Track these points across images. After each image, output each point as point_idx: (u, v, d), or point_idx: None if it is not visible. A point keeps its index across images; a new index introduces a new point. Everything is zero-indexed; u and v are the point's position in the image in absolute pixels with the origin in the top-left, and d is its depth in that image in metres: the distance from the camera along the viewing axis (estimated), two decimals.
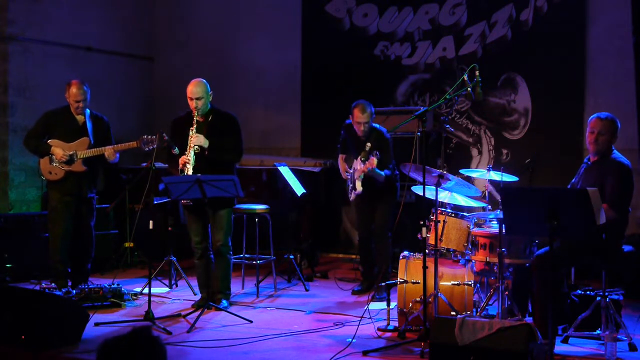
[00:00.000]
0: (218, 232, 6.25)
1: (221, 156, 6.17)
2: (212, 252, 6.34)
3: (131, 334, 2.54)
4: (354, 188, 6.74)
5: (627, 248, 5.34)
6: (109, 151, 6.54)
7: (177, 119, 6.39)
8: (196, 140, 6.08)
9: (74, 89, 6.57)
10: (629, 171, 5.22)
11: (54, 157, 6.56)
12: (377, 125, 6.89)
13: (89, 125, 6.68)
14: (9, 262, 7.43)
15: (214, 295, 6.35)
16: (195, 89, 6.13)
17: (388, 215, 6.84)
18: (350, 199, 6.90)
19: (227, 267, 6.36)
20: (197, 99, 6.11)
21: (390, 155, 6.78)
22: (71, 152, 6.56)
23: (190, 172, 6.02)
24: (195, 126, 6.11)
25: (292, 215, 8.17)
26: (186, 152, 6.09)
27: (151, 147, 6.40)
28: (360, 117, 6.70)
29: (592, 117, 5.38)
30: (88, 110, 6.72)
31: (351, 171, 6.84)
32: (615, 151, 5.33)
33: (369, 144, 6.62)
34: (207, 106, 6.20)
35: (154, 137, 6.44)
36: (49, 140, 6.60)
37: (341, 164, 7.04)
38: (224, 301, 6.30)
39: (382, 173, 6.63)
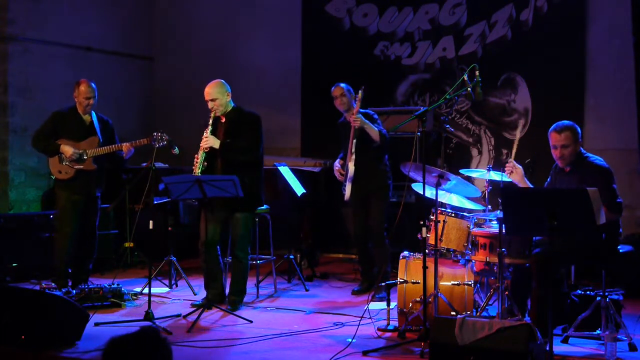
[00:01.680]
0: (234, 236, 6.25)
1: (234, 156, 6.14)
2: (220, 256, 6.34)
3: (139, 334, 2.53)
4: (347, 182, 6.78)
5: (626, 248, 5.34)
6: (126, 147, 6.59)
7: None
8: (205, 142, 6.09)
9: (83, 87, 6.63)
10: (612, 172, 5.25)
11: (63, 155, 6.59)
12: (365, 110, 7.00)
13: (96, 124, 6.73)
14: (9, 262, 7.43)
15: (220, 296, 6.35)
16: (209, 90, 6.17)
17: (382, 214, 6.83)
18: (345, 197, 6.87)
19: (241, 272, 6.34)
20: (212, 100, 6.14)
21: (379, 124, 6.86)
22: (80, 151, 6.60)
23: (198, 172, 6.04)
24: (210, 127, 6.13)
25: (292, 215, 8.17)
26: (198, 152, 6.11)
27: (161, 144, 6.45)
28: (333, 92, 6.93)
29: (550, 130, 5.32)
30: (93, 112, 6.76)
31: (344, 172, 6.84)
32: (588, 154, 5.33)
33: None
34: (228, 106, 6.21)
35: (164, 134, 6.50)
36: (58, 140, 6.63)
37: (335, 166, 7.01)
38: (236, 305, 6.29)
39: (374, 127, 6.68)
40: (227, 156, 6.12)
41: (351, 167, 6.71)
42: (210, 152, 6.12)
